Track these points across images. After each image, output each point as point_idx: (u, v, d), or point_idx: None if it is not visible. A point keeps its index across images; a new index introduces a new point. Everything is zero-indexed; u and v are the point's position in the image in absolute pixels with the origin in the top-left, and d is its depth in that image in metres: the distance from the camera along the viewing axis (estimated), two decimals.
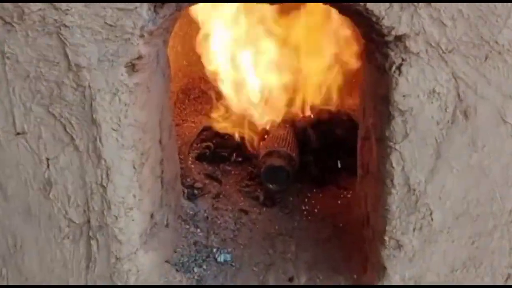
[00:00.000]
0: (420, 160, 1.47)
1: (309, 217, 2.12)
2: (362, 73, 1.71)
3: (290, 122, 2.53)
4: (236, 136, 2.50)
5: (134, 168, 1.55)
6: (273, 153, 2.26)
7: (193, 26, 2.55)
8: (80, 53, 1.39)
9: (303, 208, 2.18)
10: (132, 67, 1.43)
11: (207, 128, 2.61)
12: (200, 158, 2.43)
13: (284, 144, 2.32)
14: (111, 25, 1.37)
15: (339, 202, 2.20)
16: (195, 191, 2.17)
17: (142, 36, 1.40)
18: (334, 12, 2.37)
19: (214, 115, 2.67)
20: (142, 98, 1.51)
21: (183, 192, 2.13)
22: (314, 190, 2.28)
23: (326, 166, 2.35)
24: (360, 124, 1.82)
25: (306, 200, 2.23)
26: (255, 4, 2.36)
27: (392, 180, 1.50)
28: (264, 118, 2.56)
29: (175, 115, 2.75)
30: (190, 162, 2.39)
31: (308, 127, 2.49)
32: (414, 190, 1.50)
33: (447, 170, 1.48)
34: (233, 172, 2.39)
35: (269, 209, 2.17)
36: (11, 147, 1.48)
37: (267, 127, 2.53)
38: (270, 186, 2.21)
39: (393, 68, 1.41)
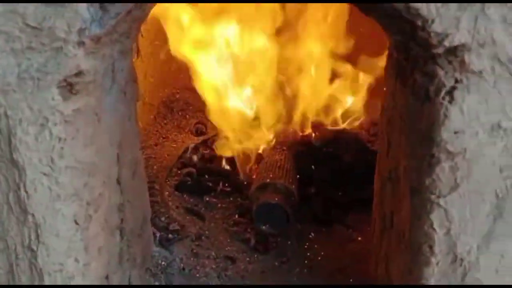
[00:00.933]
0: (473, 221, 1.16)
1: (312, 270, 1.79)
2: (388, 96, 1.30)
3: (287, 144, 2.27)
4: (224, 160, 2.25)
5: (77, 223, 1.18)
6: (267, 187, 1.95)
7: (177, 27, 2.26)
8: None
9: (304, 255, 1.84)
10: (69, 88, 1.06)
11: (190, 150, 2.36)
12: (180, 188, 2.16)
13: (281, 174, 2.02)
14: (34, 28, 0.99)
15: (349, 244, 1.89)
16: (170, 235, 1.81)
17: (81, 43, 1.01)
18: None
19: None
20: (87, 130, 1.14)
21: (155, 236, 1.77)
22: (317, 232, 1.96)
23: (332, 201, 2.07)
24: (381, 159, 1.43)
25: (307, 244, 1.90)
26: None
27: (431, 247, 1.18)
28: (257, 138, 2.31)
29: (154, 132, 2.59)
30: (167, 193, 2.11)
31: (309, 151, 2.24)
32: (462, 260, 1.20)
33: (509, 235, 1.15)
34: (219, 205, 2.11)
35: (262, 256, 1.85)
36: None
37: (261, 150, 2.28)
38: (264, 228, 1.88)
39: (442, 93, 1.07)
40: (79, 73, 1.05)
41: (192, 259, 1.80)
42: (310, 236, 1.94)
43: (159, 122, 2.63)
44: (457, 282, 1.15)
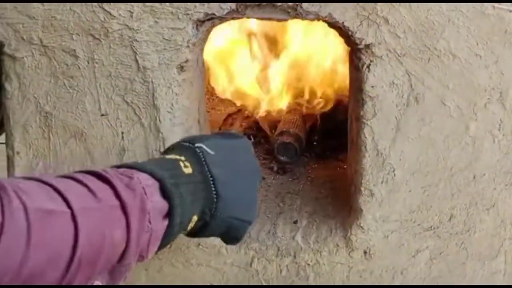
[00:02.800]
0: (384, 132, 1.87)
1: (312, 182, 2.65)
2: (349, 71, 2.27)
3: (300, 110, 3.08)
4: (257, 121, 3.07)
5: None
6: (284, 133, 2.78)
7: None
8: (146, 59, 1.93)
9: (308, 175, 2.71)
10: (181, 68, 1.96)
11: (231, 115, 3.18)
12: None
13: (293, 126, 2.85)
14: (167, 40, 1.92)
15: (337, 170, 2.75)
16: None
17: (188, 46, 1.93)
18: None
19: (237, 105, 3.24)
20: (187, 90, 2.03)
21: None
22: (318, 163, 2.82)
23: (328, 145, 2.91)
24: (349, 109, 2.40)
25: (310, 170, 2.76)
26: None
27: (365, 147, 1.99)
28: (280, 107, 3.12)
29: (206, 103, 3.28)
30: None
31: (315, 113, 3.05)
32: (381, 154, 1.89)
33: (404, 140, 1.88)
34: (255, 150, 2.86)
35: (281, 176, 2.67)
36: (98, 124, 2.06)
37: (283, 115, 3.06)
38: (282, 158, 2.74)
39: (364, 67, 1.90)
40: (186, 61, 1.92)
41: None
42: (313, 166, 2.76)
43: (208, 97, 3.28)
44: (379, 165, 2.03)
